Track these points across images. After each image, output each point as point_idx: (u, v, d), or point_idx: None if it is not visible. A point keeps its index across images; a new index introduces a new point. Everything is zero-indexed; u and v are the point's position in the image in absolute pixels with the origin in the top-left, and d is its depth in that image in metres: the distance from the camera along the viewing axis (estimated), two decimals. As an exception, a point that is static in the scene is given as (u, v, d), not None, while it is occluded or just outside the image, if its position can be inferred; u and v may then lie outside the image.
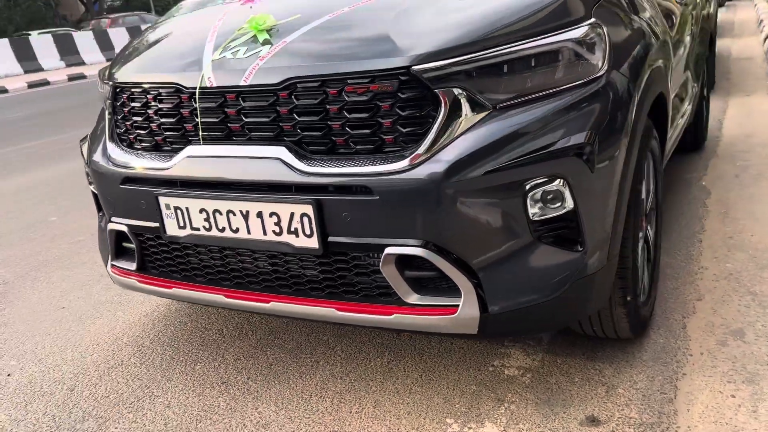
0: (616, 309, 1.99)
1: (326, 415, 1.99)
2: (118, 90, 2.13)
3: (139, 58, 2.18)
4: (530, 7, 1.77)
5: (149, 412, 2.09)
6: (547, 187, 1.68)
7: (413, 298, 1.75)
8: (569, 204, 1.69)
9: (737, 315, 2.32)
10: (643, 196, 2.12)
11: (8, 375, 2.43)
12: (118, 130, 2.15)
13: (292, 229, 1.78)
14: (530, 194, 1.67)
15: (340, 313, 1.83)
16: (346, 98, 1.70)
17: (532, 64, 1.70)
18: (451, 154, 1.63)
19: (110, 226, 2.17)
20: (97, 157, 2.17)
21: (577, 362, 2.14)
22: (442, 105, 1.65)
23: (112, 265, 2.27)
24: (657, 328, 2.30)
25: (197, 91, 1.89)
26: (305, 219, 1.75)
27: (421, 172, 1.63)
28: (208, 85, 1.87)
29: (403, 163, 1.65)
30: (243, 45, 1.90)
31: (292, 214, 1.76)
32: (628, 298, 1.98)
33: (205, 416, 2.04)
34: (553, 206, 1.69)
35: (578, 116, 1.70)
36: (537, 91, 1.70)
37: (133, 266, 2.19)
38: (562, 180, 1.67)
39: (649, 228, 2.27)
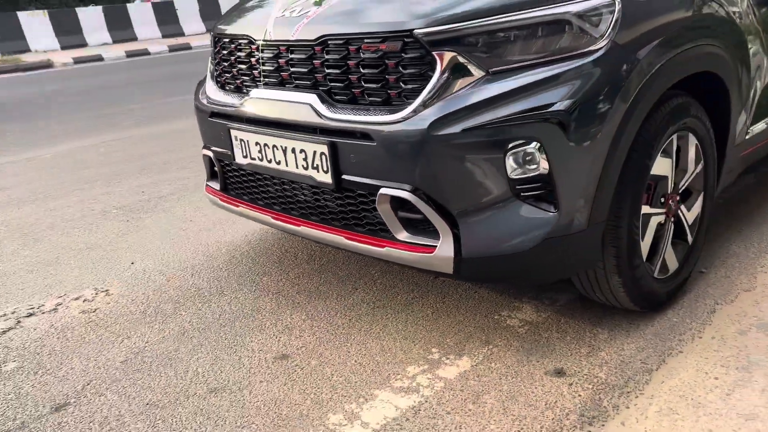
0: (612, 277, 2.06)
1: (340, 329, 2.32)
2: (216, 40, 2.58)
3: (233, 14, 2.61)
4: None
5: (213, 305, 2.58)
6: (526, 149, 1.81)
7: (403, 235, 1.99)
8: (544, 166, 1.82)
9: (776, 309, 2.24)
10: (664, 173, 2.13)
11: (131, 263, 3.07)
12: (215, 73, 2.61)
13: (314, 165, 2.10)
14: (510, 154, 1.82)
15: (346, 241, 2.13)
16: (362, 55, 1.97)
17: (528, 33, 1.83)
18: (440, 110, 1.83)
19: (204, 152, 2.66)
20: (199, 95, 2.65)
21: (579, 324, 2.24)
22: (439, 66, 1.85)
23: (207, 185, 2.77)
24: (679, 308, 2.30)
25: (261, 42, 2.27)
26: (323, 157, 2.06)
27: (411, 124, 1.85)
28: (268, 38, 2.24)
29: (398, 116, 1.88)
30: (300, 6, 2.24)
31: (314, 153, 2.08)
32: (623, 268, 2.04)
33: (250, 314, 2.48)
34: (529, 167, 1.83)
35: (563, 85, 1.80)
36: (531, 59, 1.83)
37: (218, 187, 2.67)
38: (538, 143, 1.80)
39: (683, 208, 2.26)
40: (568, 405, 1.84)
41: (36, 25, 17.64)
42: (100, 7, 18.87)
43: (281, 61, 2.21)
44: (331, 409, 1.89)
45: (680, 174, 2.24)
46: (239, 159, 2.41)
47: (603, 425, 1.75)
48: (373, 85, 1.97)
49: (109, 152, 5.45)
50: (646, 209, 2.09)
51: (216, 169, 2.65)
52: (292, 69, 2.18)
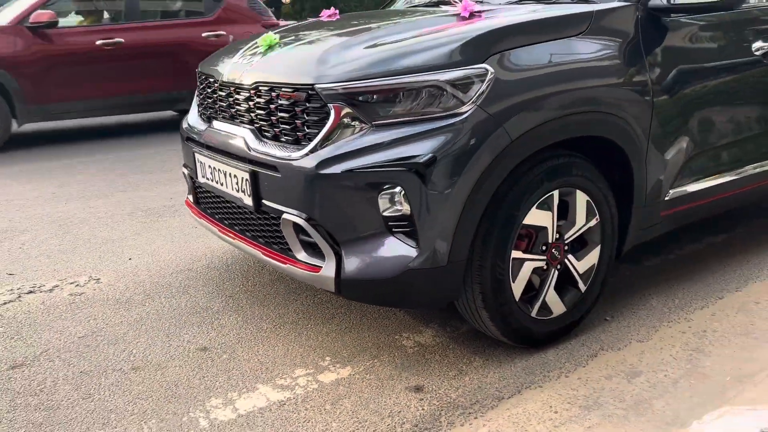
0: (481, 311, 2.31)
1: (262, 332, 2.68)
2: (198, 76, 3.04)
3: (212, 56, 3.06)
4: (422, 51, 2.22)
5: (174, 300, 3.00)
6: (393, 192, 2.12)
7: (301, 255, 2.34)
8: (407, 208, 2.12)
9: (656, 363, 2.39)
10: (543, 224, 2.36)
11: (129, 259, 3.56)
12: (196, 104, 3.07)
13: (242, 189, 2.49)
14: (381, 194, 2.14)
15: (262, 256, 2.50)
16: (280, 101, 2.35)
17: (406, 95, 2.15)
18: (328, 153, 2.17)
19: (182, 169, 3.11)
20: (183, 122, 3.12)
21: (462, 351, 2.49)
22: (332, 116, 2.19)
23: (187, 198, 3.22)
24: (561, 349, 2.50)
25: (220, 82, 2.69)
26: (247, 183, 2.45)
27: (305, 162, 2.20)
28: (224, 79, 2.66)
29: (298, 154, 2.24)
30: (252, 54, 2.65)
31: (242, 178, 2.48)
32: (489, 304, 2.29)
33: (199, 312, 2.88)
34: (397, 208, 2.14)
35: (428, 141, 2.10)
36: (407, 116, 2.15)
37: (192, 200, 3.11)
38: (401, 189, 2.11)
39: (572, 258, 2.47)
40: (409, 416, 2.11)
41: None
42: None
43: (231, 99, 2.62)
44: (216, 395, 2.25)
45: (568, 226, 2.45)
46: (200, 178, 2.84)
47: (427, 436, 2.02)
48: (287, 126, 2.34)
49: (165, 159, 6.08)
50: (518, 254, 2.32)
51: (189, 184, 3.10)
52: (237, 107, 2.59)
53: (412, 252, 2.15)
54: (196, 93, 3.09)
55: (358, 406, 2.17)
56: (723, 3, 2.59)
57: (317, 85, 2.22)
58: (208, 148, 2.72)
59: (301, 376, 2.36)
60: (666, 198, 2.74)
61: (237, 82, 2.56)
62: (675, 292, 2.98)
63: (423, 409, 2.14)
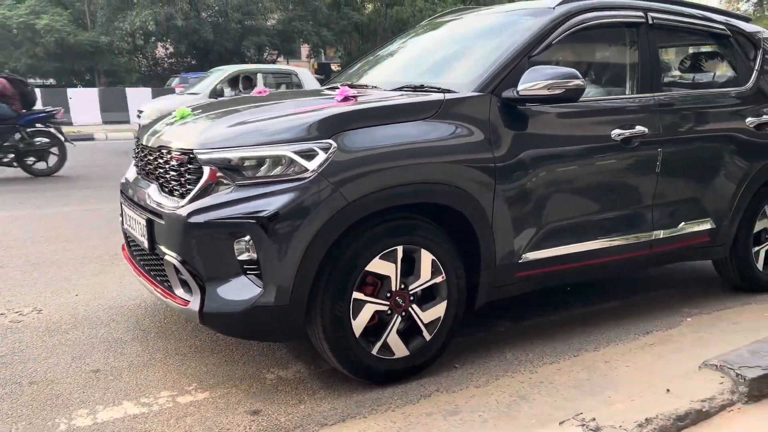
0: (323, 342, 2.67)
1: (156, 360, 3.08)
2: (135, 138, 3.56)
3: (150, 122, 3.58)
4: (279, 127, 2.68)
5: (95, 331, 3.43)
6: (244, 240, 2.54)
7: (178, 291, 2.75)
8: (254, 255, 2.53)
9: (478, 405, 2.68)
10: (386, 273, 2.71)
11: (76, 295, 4.04)
12: (132, 162, 3.58)
13: (143, 233, 2.95)
14: (236, 242, 2.55)
15: (154, 291, 2.92)
16: (172, 162, 2.82)
17: (261, 162, 2.58)
18: (197, 205, 2.61)
19: (119, 218, 3.61)
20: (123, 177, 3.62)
21: (315, 383, 2.83)
22: (205, 176, 2.64)
23: (123, 243, 3.69)
24: (398, 387, 2.81)
25: (141, 143, 3.19)
26: (145, 228, 2.90)
27: (180, 212, 2.63)
28: (142, 142, 3.16)
29: (177, 206, 2.68)
30: (167, 123, 3.16)
31: (142, 224, 2.94)
32: (329, 337, 2.65)
33: (111, 342, 3.30)
34: (247, 253, 2.55)
35: (275, 199, 2.52)
36: (263, 178, 2.57)
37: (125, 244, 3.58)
38: (250, 237, 2.52)
39: (416, 307, 2.81)
40: (235, 433, 2.47)
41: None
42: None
43: (146, 159, 3.11)
44: (86, 406, 2.65)
45: (413, 279, 2.79)
46: (124, 225, 3.31)
47: (240, 449, 2.36)
48: (176, 183, 2.80)
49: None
50: (359, 296, 2.67)
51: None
52: (149, 166, 3.06)
53: (259, 291, 2.54)
54: (133, 153, 3.60)
55: (196, 423, 2.53)
56: (565, 95, 2.94)
57: (195, 150, 2.69)
58: (129, 199, 3.19)
59: (164, 396, 2.74)
60: (520, 261, 3.07)
61: (149, 145, 3.06)
62: (533, 347, 3.27)
63: (251, 429, 2.49)
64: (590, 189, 3.28)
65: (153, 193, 2.91)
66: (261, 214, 2.50)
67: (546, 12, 3.28)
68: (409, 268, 2.81)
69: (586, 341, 3.37)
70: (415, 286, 2.81)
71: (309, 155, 2.57)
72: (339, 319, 2.65)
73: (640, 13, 3.53)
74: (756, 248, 4.02)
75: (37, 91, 10.91)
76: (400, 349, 2.81)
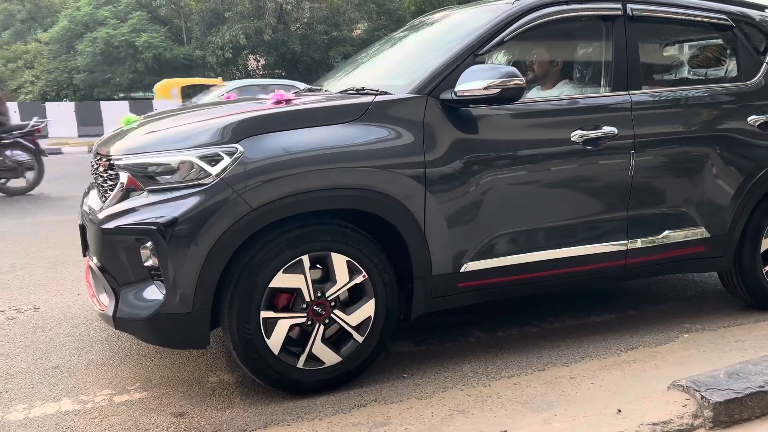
0: (240, 363, 2.66)
1: (110, 359, 3.16)
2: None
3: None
4: (189, 133, 2.66)
5: (76, 330, 3.56)
6: (147, 245, 2.52)
7: (102, 296, 2.75)
8: (154, 261, 2.53)
9: (412, 418, 2.57)
10: (295, 285, 2.63)
11: (78, 294, 4.21)
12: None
13: (80, 238, 3.03)
14: (142, 248, 2.55)
15: (89, 298, 2.97)
16: (100, 168, 2.88)
17: (167, 168, 2.56)
18: (110, 210, 2.62)
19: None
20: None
21: (254, 390, 2.79)
22: (122, 182, 2.66)
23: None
24: (331, 395, 2.73)
25: (94, 150, 3.27)
26: (80, 233, 2.98)
27: (97, 217, 2.66)
28: (94, 149, 3.23)
29: (96, 211, 2.71)
30: (113, 132, 3.23)
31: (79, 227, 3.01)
32: (240, 354, 2.62)
33: (80, 342, 3.42)
34: (151, 260, 2.54)
35: (176, 205, 2.48)
36: (171, 183, 2.55)
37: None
38: (151, 242, 2.50)
39: (339, 312, 2.72)
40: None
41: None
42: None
43: (93, 166, 3.18)
44: (27, 400, 2.74)
45: (330, 285, 2.69)
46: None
47: (147, 450, 2.36)
48: (104, 189, 2.86)
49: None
50: (269, 314, 2.60)
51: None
52: (97, 173, 3.11)
53: (161, 297, 2.53)
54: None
55: (119, 422, 2.55)
56: (503, 95, 2.75)
57: (113, 156, 2.73)
58: (83, 206, 3.26)
59: (103, 395, 2.79)
60: (462, 271, 2.91)
61: (94, 152, 3.14)
62: (497, 360, 3.10)
63: (168, 429, 2.49)
64: (545, 195, 3.05)
65: (90, 199, 2.97)
66: (160, 221, 2.48)
67: (503, 8, 3.10)
68: (327, 274, 2.71)
69: (558, 355, 3.15)
70: (333, 291, 2.70)
71: (213, 160, 2.53)
72: (248, 340, 2.59)
73: (617, 5, 3.26)
74: (768, 265, 3.61)
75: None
76: (329, 357, 2.73)
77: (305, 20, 32.19)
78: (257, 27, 29.39)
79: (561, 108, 3.14)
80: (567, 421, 2.49)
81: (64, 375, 2.99)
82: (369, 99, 2.81)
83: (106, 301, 2.70)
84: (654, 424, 2.47)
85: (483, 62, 2.98)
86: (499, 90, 2.71)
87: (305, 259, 2.63)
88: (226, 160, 2.53)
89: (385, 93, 2.88)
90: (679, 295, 4.11)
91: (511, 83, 2.72)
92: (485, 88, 2.71)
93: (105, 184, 2.87)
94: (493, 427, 2.49)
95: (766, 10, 3.81)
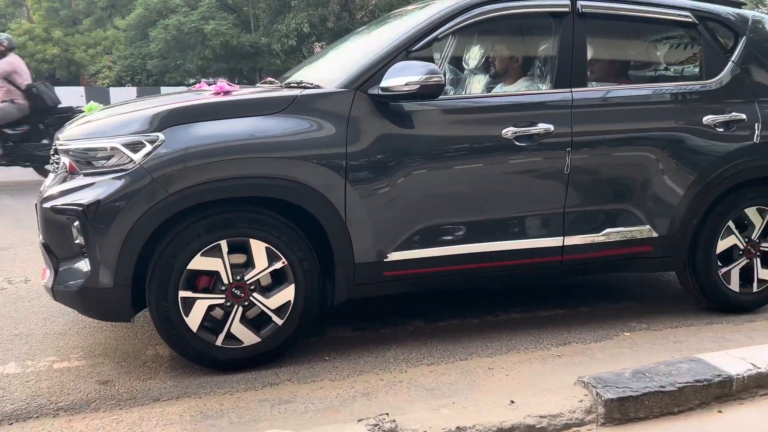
0: (162, 336, 2.85)
1: (80, 324, 3.42)
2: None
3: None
4: (118, 121, 2.87)
5: (52, 309, 3.85)
6: (75, 225, 2.74)
7: (47, 272, 2.94)
8: (81, 239, 2.73)
9: (317, 397, 2.71)
10: (213, 268, 2.79)
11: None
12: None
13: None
14: (72, 226, 2.76)
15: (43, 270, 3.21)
16: (55, 152, 3.09)
17: (97, 154, 2.76)
18: (50, 192, 2.84)
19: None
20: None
21: (182, 364, 2.97)
22: (64, 165, 2.88)
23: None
24: (251, 373, 2.88)
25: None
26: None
27: (41, 196, 2.89)
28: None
29: (44, 191, 2.95)
30: (79, 118, 3.45)
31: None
32: (164, 335, 2.83)
33: (45, 330, 3.70)
34: (75, 238, 2.76)
35: (100, 188, 2.68)
36: (100, 168, 2.75)
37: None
38: (78, 221, 2.71)
39: (258, 295, 2.85)
40: (70, 399, 2.68)
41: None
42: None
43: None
44: (-21, 363, 3.02)
45: (250, 269, 2.83)
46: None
47: None
48: (54, 170, 3.08)
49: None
50: (187, 294, 2.77)
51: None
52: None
53: (86, 272, 2.74)
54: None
55: (48, 387, 2.78)
56: (422, 92, 2.82)
57: (57, 142, 2.95)
58: None
59: (47, 361, 3.03)
60: (386, 260, 3.00)
61: (59, 140, 3.35)
62: (423, 348, 3.18)
63: (89, 396, 2.71)
64: (474, 189, 3.09)
65: (46, 181, 3.21)
66: (83, 202, 2.67)
67: (443, 4, 3.14)
68: (250, 258, 2.84)
69: (486, 346, 3.21)
70: (252, 276, 2.83)
71: (137, 147, 2.70)
72: (167, 318, 2.77)
73: (566, 2, 3.24)
74: (728, 267, 3.53)
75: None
76: (248, 338, 2.88)
77: (370, 8, 32.32)
78: (322, 15, 29.74)
79: (493, 105, 3.20)
80: (457, 408, 2.55)
81: (21, 342, 3.26)
82: (296, 92, 2.94)
83: (48, 274, 2.93)
84: (541, 417, 2.51)
85: (418, 58, 3.03)
86: (418, 86, 2.79)
87: (223, 243, 2.78)
88: (148, 148, 2.70)
89: (317, 87, 3.00)
90: (642, 294, 4.06)
91: (431, 80, 2.79)
92: (406, 85, 2.79)
93: (54, 167, 3.10)
94: (387, 410, 2.58)
95: (742, 8, 3.69)
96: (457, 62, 4.03)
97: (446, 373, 2.93)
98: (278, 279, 2.91)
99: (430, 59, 3.23)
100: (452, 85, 3.97)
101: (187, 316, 2.79)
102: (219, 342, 2.86)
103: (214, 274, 2.82)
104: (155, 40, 32.61)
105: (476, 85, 3.81)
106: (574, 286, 4.20)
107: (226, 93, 3.06)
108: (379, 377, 2.90)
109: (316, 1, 30.35)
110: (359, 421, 2.41)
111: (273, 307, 2.89)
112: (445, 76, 3.98)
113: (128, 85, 32.31)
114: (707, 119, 3.37)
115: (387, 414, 2.45)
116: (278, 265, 2.86)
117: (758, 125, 3.41)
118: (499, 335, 3.34)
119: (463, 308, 3.73)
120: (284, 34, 29.92)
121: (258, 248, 2.83)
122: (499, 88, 3.65)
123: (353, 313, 3.60)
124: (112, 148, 2.74)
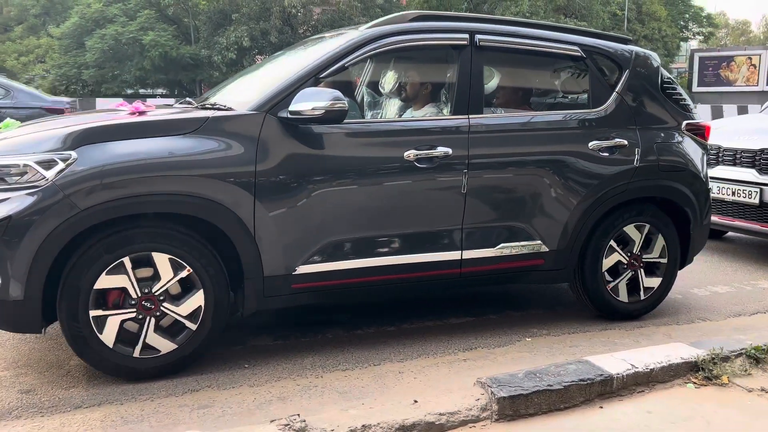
0: (71, 346, 2.95)
1: (41, 340, 3.49)
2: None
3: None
4: (33, 138, 2.96)
5: None
6: None
7: None
8: None
9: (232, 402, 2.87)
10: (122, 285, 2.91)
11: None
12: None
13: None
14: None
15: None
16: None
17: (15, 169, 2.81)
18: None
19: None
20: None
21: (96, 371, 3.10)
22: None
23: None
24: (171, 381, 3.02)
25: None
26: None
27: None
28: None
29: None
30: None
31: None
32: (79, 352, 2.93)
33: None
34: None
35: (12, 203, 2.74)
36: (15, 184, 2.80)
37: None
38: None
39: (168, 305, 2.99)
40: (-6, 407, 2.79)
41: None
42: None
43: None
44: None
45: (157, 280, 2.96)
46: None
47: (-17, 420, 2.68)
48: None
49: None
50: (97, 313, 2.88)
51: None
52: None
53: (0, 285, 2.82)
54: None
55: None
56: (327, 116, 3.05)
57: None
58: None
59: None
60: (294, 273, 3.20)
61: None
62: (338, 355, 3.39)
63: (11, 404, 2.81)
64: (377, 207, 3.31)
65: None
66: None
67: (351, 35, 3.40)
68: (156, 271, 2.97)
69: (399, 352, 3.44)
70: (160, 287, 2.97)
71: (49, 165, 2.80)
72: (80, 337, 2.89)
73: (464, 35, 3.53)
74: (615, 281, 3.88)
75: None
76: (165, 346, 3.02)
77: (312, 23, 32.57)
78: (263, 29, 29.83)
79: (396, 129, 3.47)
80: (365, 409, 2.76)
81: (-30, 352, 3.32)
82: (208, 114, 3.12)
83: None
84: (440, 414, 2.74)
85: (328, 85, 3.25)
86: (323, 111, 3.02)
87: (126, 260, 2.91)
88: (60, 165, 2.81)
89: (229, 109, 3.19)
90: (547, 303, 4.38)
91: (335, 106, 3.03)
92: (312, 109, 3.02)
93: None
94: (301, 412, 2.76)
95: (628, 44, 4.06)
96: (374, 86, 4.28)
97: (359, 378, 3.14)
98: (187, 287, 3.04)
99: (342, 84, 3.44)
100: (369, 108, 4.23)
101: (101, 333, 2.91)
102: (137, 354, 2.98)
103: (123, 290, 2.95)
104: (91, 49, 32.00)
105: (391, 108, 4.07)
106: (486, 294, 4.49)
107: (141, 113, 3.21)
108: (295, 383, 3.09)
109: (257, 15, 30.44)
110: (272, 421, 2.60)
111: (185, 314, 3.04)
112: (363, 99, 4.24)
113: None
114: (592, 144, 3.71)
115: (298, 415, 2.64)
116: (184, 274, 3.00)
117: (638, 150, 3.77)
118: (412, 341, 3.58)
119: (380, 317, 3.95)
120: (225, 46, 29.86)
121: (161, 260, 2.96)
122: (409, 113, 3.92)
123: (275, 323, 3.79)
124: (25, 165, 2.82)
